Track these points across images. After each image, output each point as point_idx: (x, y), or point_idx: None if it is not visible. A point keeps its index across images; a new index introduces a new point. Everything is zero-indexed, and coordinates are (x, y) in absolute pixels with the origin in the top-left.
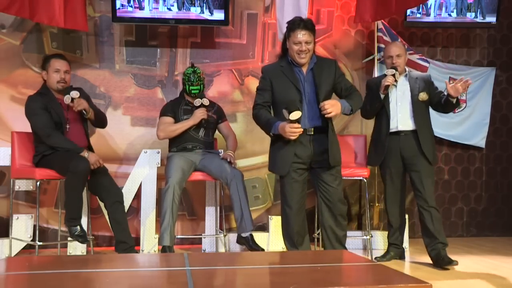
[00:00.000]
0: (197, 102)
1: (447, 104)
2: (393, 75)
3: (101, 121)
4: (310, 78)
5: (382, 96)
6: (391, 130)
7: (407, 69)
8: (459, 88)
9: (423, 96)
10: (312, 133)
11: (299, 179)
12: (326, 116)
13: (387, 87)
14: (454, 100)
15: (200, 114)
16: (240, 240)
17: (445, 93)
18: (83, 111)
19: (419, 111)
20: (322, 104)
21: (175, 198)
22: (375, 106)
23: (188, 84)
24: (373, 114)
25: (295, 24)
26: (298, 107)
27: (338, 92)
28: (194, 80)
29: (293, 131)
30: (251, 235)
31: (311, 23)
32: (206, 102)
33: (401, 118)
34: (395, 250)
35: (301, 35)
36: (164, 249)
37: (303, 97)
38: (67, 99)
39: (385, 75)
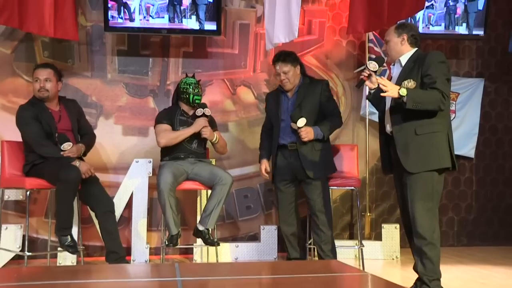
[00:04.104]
0: (199, 111)
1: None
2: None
3: (91, 146)
4: (293, 100)
5: None
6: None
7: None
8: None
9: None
10: (295, 147)
11: (284, 189)
12: (302, 140)
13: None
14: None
15: (202, 123)
16: (196, 233)
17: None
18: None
19: None
20: (299, 130)
21: (170, 195)
22: None
23: (193, 94)
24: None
25: (275, 58)
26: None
27: (323, 112)
28: (197, 89)
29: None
30: (207, 229)
31: (289, 55)
32: (208, 112)
33: None
34: None
35: (278, 67)
36: (171, 239)
37: (281, 117)
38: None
39: None
